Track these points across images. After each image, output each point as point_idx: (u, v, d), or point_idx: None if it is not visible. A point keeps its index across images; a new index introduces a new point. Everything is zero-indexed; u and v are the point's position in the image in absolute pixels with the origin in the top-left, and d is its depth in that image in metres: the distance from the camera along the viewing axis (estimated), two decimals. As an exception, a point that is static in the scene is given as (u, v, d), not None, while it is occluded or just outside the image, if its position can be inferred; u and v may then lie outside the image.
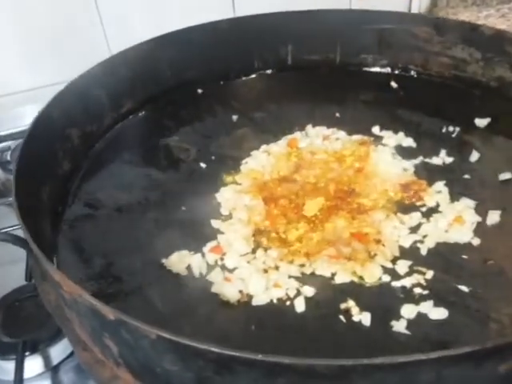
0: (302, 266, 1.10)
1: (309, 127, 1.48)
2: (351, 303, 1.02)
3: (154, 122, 1.54)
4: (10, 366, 1.11)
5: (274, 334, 0.98)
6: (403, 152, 1.38)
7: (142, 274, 1.09)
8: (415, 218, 1.19)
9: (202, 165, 1.37)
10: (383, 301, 1.03)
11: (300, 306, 1.02)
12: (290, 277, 1.07)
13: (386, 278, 1.06)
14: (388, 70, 1.70)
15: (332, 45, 1.71)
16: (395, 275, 1.07)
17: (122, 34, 1.79)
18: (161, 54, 1.56)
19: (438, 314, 0.99)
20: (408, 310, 0.99)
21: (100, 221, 1.22)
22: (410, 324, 0.97)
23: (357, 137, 1.44)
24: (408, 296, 1.03)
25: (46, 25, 1.74)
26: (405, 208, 1.22)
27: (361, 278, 1.07)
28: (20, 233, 0.97)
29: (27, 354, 1.13)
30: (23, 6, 1.70)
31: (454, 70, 1.60)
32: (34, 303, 1.19)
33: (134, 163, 1.39)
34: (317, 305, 1.02)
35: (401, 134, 1.43)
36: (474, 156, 1.34)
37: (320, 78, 1.71)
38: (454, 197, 1.23)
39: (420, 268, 1.08)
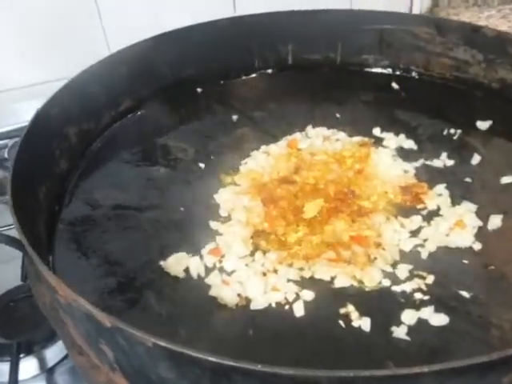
0: (301, 269, 1.08)
1: (309, 128, 1.47)
2: (351, 308, 1.00)
3: (153, 121, 1.52)
4: (4, 367, 1.10)
5: (272, 339, 0.96)
6: (404, 154, 1.37)
7: (139, 275, 1.08)
8: (416, 221, 1.18)
9: (201, 165, 1.35)
10: (383, 306, 1.01)
11: (299, 310, 1.01)
12: (288, 280, 1.06)
13: (386, 283, 1.05)
14: (389, 70, 1.69)
15: (333, 45, 1.70)
16: (395, 279, 1.06)
17: (120, 31, 1.78)
18: (160, 53, 1.55)
19: (439, 320, 0.98)
20: (408, 316, 0.98)
21: (97, 221, 1.21)
22: (411, 330, 0.96)
23: (357, 138, 1.42)
24: (408, 301, 1.02)
25: (43, 21, 1.73)
26: (405, 211, 1.21)
27: (360, 282, 1.06)
28: (16, 232, 0.96)
29: (22, 355, 1.12)
30: (21, 2, 1.69)
31: (455, 72, 1.59)
32: (28, 304, 1.19)
33: (131, 162, 1.38)
34: (316, 309, 1.01)
35: (402, 136, 1.42)
36: (476, 159, 1.33)
37: (320, 78, 1.70)
38: (455, 200, 1.22)
39: (420, 272, 1.07)
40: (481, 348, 0.92)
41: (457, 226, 1.15)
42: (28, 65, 1.76)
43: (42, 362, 1.13)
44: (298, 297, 1.03)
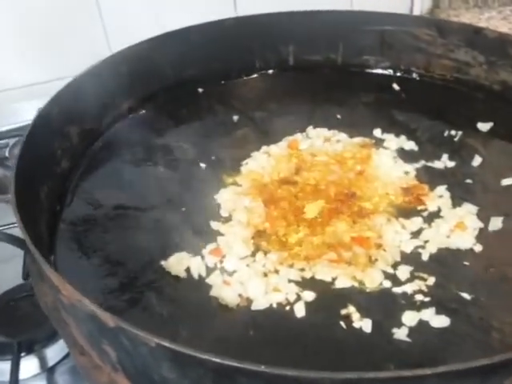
0: (302, 270, 1.08)
1: (309, 128, 1.46)
2: (352, 309, 1.00)
3: (154, 121, 1.52)
4: (4, 366, 1.10)
5: (273, 340, 0.96)
6: (405, 155, 1.37)
7: (140, 275, 1.08)
8: (416, 222, 1.18)
9: (202, 165, 1.35)
10: (384, 307, 1.01)
11: (300, 311, 1.01)
12: (289, 281, 1.06)
13: (387, 284, 1.05)
14: (390, 71, 1.69)
15: (334, 46, 1.70)
16: (396, 281, 1.06)
17: (121, 31, 1.79)
18: (162, 53, 1.55)
19: (440, 321, 0.97)
20: (409, 317, 0.98)
21: (98, 220, 1.21)
22: (411, 331, 0.96)
23: (358, 139, 1.42)
24: (409, 302, 1.02)
25: (44, 21, 1.73)
26: (406, 212, 1.21)
27: (361, 283, 1.06)
28: (16, 231, 0.96)
29: (23, 354, 1.12)
30: (22, 1, 1.69)
31: (456, 73, 1.60)
32: (29, 303, 1.18)
33: (132, 162, 1.38)
34: (317, 310, 1.01)
35: (402, 137, 1.42)
36: (477, 160, 1.33)
37: (321, 78, 1.70)
38: (456, 202, 1.22)
39: (421, 274, 1.07)
40: (482, 351, 0.92)
41: (457, 227, 1.15)
42: (28, 64, 1.76)
43: (42, 361, 1.13)
44: (298, 297, 1.03)
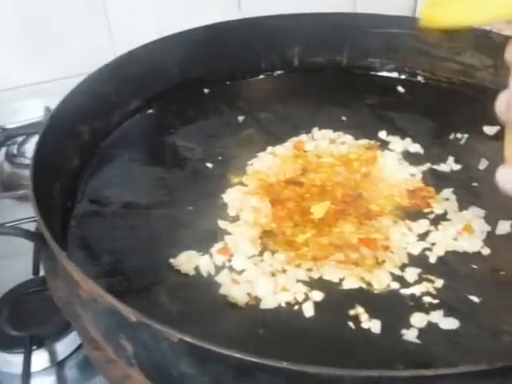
0: (310, 270, 1.08)
1: (315, 130, 1.46)
2: (360, 310, 1.00)
3: (161, 120, 1.53)
4: (16, 359, 1.10)
5: (282, 339, 0.96)
6: (410, 158, 1.37)
7: (149, 272, 1.09)
8: (423, 225, 1.18)
9: (209, 164, 1.35)
10: (392, 308, 1.01)
11: (309, 310, 1.01)
12: (297, 281, 1.06)
13: (395, 286, 1.05)
14: (395, 74, 1.69)
15: (339, 48, 1.70)
16: (404, 283, 1.06)
17: (126, 31, 1.79)
18: (168, 54, 1.56)
19: (449, 323, 0.97)
20: (418, 319, 0.98)
21: (107, 218, 1.21)
22: (421, 333, 0.96)
23: (363, 141, 1.42)
24: (417, 304, 1.02)
25: (49, 19, 1.73)
26: (412, 214, 1.21)
27: (369, 284, 1.05)
28: (27, 227, 0.96)
29: (34, 348, 1.12)
30: (28, 1, 1.69)
31: (462, 76, 1.60)
32: (39, 297, 1.19)
33: (140, 161, 1.38)
34: (325, 310, 1.01)
35: (407, 140, 1.42)
36: (483, 164, 1.33)
37: (326, 80, 1.70)
38: (463, 205, 1.22)
39: (429, 276, 1.06)
40: (493, 353, 0.92)
41: (465, 230, 1.15)
42: (32, 63, 1.76)
43: (52, 355, 1.13)
44: (307, 297, 1.03)
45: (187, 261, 1.10)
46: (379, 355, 0.94)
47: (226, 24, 1.63)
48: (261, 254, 1.12)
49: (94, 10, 1.76)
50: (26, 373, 1.06)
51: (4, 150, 1.61)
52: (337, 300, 1.03)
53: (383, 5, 1.76)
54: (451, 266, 1.10)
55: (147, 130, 1.49)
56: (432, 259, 1.11)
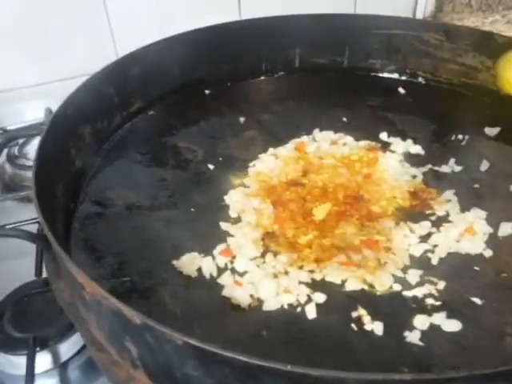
0: (312, 272, 1.08)
1: (316, 131, 1.47)
2: (363, 311, 1.00)
3: (163, 122, 1.53)
4: (20, 361, 1.10)
5: (285, 341, 0.96)
6: (411, 159, 1.37)
7: (152, 274, 1.08)
8: (425, 226, 1.18)
9: (210, 166, 1.36)
10: (395, 310, 1.01)
11: (311, 312, 1.01)
12: (300, 283, 1.06)
13: (397, 287, 1.05)
14: (396, 75, 1.69)
15: (340, 49, 1.71)
16: (406, 284, 1.06)
17: (127, 33, 1.79)
18: (170, 55, 1.56)
19: (452, 326, 0.97)
20: (421, 321, 0.98)
21: (110, 219, 1.21)
22: (424, 335, 0.96)
23: (364, 142, 1.42)
24: (420, 306, 1.02)
25: (51, 21, 1.73)
26: (414, 216, 1.21)
27: (371, 286, 1.06)
28: (29, 228, 0.96)
29: (37, 349, 1.12)
30: (30, 2, 1.69)
31: (463, 78, 1.60)
32: (42, 299, 1.18)
33: (142, 162, 1.38)
34: (328, 312, 1.01)
35: (409, 141, 1.42)
36: (484, 165, 1.33)
37: (327, 81, 1.71)
38: (465, 206, 1.22)
39: (431, 278, 1.07)
40: (497, 355, 0.93)
41: (467, 232, 1.15)
42: (33, 65, 1.76)
43: (55, 356, 1.13)
44: (309, 299, 1.03)
45: (190, 262, 1.10)
46: (382, 357, 0.94)
47: (228, 25, 1.64)
48: (263, 255, 1.12)
49: (95, 12, 1.76)
50: (30, 374, 1.05)
51: (5, 151, 1.60)
52: (339, 302, 1.03)
53: (384, 6, 1.75)
54: (453, 267, 1.10)
55: (149, 132, 1.49)
56: (434, 261, 1.11)
